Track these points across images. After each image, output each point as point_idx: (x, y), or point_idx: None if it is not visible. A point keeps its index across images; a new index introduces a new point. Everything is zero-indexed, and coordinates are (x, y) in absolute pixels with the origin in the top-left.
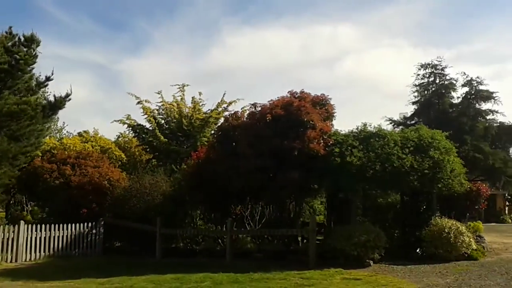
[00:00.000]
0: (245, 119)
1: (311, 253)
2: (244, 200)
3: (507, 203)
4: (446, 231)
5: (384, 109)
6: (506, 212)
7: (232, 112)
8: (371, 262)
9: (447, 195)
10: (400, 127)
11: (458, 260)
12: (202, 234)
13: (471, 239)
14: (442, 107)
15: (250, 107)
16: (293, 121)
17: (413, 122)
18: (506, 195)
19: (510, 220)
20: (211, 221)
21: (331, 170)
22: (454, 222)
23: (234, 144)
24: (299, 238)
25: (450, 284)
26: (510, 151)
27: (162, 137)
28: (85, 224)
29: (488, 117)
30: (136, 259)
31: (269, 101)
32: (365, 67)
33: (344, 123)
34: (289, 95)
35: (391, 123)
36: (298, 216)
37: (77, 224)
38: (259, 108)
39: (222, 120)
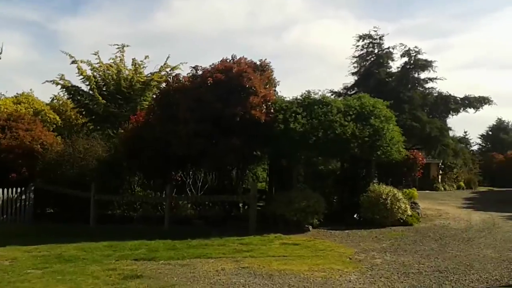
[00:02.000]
0: (186, 82)
1: (251, 219)
2: (184, 166)
3: (440, 172)
4: (383, 197)
5: (331, 80)
6: (439, 180)
7: (173, 75)
8: (310, 227)
9: (386, 162)
10: (341, 97)
11: (393, 226)
12: (139, 201)
13: (407, 206)
14: (381, 76)
15: (191, 70)
16: (234, 87)
17: (353, 92)
18: (440, 164)
19: (442, 188)
20: (150, 187)
21: (274, 137)
22: (391, 189)
23: (174, 108)
24: (240, 205)
25: (386, 249)
26: (447, 120)
27: (100, 98)
28: (14, 189)
29: (426, 86)
30: (69, 226)
31: (210, 65)
32: (312, 37)
33: (291, 93)
34: (230, 58)
35: (332, 94)
36: (241, 183)
37: (5, 189)
38: (201, 72)
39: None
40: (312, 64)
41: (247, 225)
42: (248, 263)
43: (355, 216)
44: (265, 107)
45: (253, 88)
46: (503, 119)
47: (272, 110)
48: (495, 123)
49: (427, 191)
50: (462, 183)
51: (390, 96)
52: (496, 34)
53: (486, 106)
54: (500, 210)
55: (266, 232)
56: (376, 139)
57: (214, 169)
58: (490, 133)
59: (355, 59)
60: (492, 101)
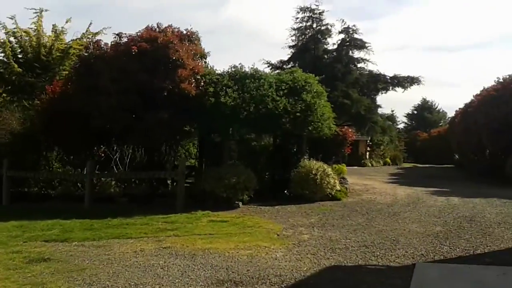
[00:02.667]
0: (108, 50)
1: (179, 196)
2: (108, 141)
3: (368, 148)
4: (313, 172)
5: (269, 57)
6: (367, 156)
7: (94, 40)
8: (240, 203)
9: (317, 138)
10: (277, 71)
11: (322, 201)
12: (58, 178)
13: (335, 181)
14: (317, 52)
15: (115, 37)
16: (161, 58)
17: (289, 66)
18: (368, 141)
19: (370, 164)
20: (71, 163)
21: (205, 111)
22: (321, 164)
23: (95, 78)
24: (169, 182)
25: (314, 224)
26: (377, 98)
27: (16, 66)
28: None
29: (359, 65)
30: None
31: (137, 33)
32: (248, 13)
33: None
34: (156, 27)
35: (268, 66)
36: (172, 159)
37: None
38: (125, 40)
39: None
40: (248, 40)
41: (175, 203)
42: (170, 243)
43: (285, 191)
44: (194, 80)
45: (180, 60)
46: (427, 99)
47: (202, 83)
48: (420, 103)
49: (356, 167)
50: (388, 160)
51: (325, 72)
52: (422, 17)
53: (414, 86)
54: (424, 185)
55: (194, 210)
56: (308, 115)
57: (142, 145)
58: (415, 112)
59: (293, 32)
60: (420, 81)
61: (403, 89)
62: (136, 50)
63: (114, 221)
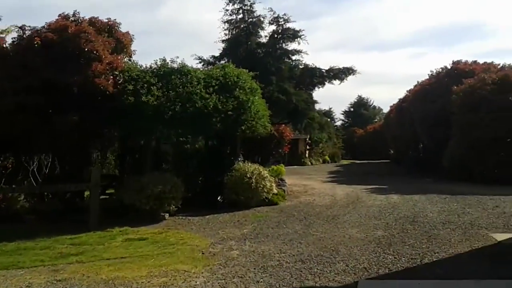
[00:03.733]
0: (7, 45)
1: (93, 212)
2: (15, 150)
3: (307, 147)
4: (248, 176)
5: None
6: (307, 155)
7: None
8: (167, 215)
9: (252, 138)
10: (210, 66)
11: (259, 206)
12: None
13: (272, 184)
14: (250, 46)
15: (18, 30)
16: (71, 50)
17: (222, 62)
18: (307, 139)
19: (309, 163)
20: None
21: (124, 112)
22: (256, 167)
23: None
24: (86, 194)
25: (246, 236)
26: (313, 94)
27: None
28: None
29: (293, 57)
30: None
31: (44, 24)
32: (187, 13)
33: None
34: (71, 15)
35: (200, 62)
36: (84, 167)
37: None
38: (29, 33)
39: None
40: (186, 40)
41: (88, 219)
42: (69, 273)
43: (218, 198)
44: (112, 76)
45: (95, 52)
46: (362, 96)
47: (121, 80)
48: (356, 100)
49: (296, 166)
50: (327, 157)
51: (258, 67)
52: (357, 17)
53: (350, 77)
54: (362, 182)
55: (111, 226)
56: (241, 113)
57: (51, 152)
58: (352, 109)
59: (225, 26)
60: (355, 70)
61: (339, 81)
62: (40, 42)
63: (9, 246)
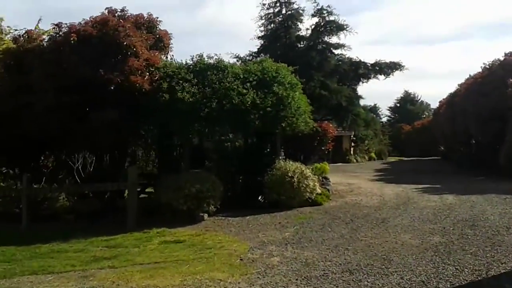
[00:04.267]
0: (45, 42)
1: (130, 212)
2: (52, 149)
3: (352, 144)
4: (290, 175)
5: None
6: (351, 152)
7: (24, 31)
8: (206, 215)
9: (293, 135)
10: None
11: (301, 207)
12: None
13: (315, 183)
14: (289, 40)
15: (54, 27)
16: (108, 45)
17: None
18: (352, 136)
19: (355, 160)
20: (13, 177)
21: (160, 109)
22: (298, 165)
23: (27, 75)
24: (126, 194)
25: (288, 240)
26: (358, 89)
27: None
28: None
29: (337, 52)
30: None
31: (81, 21)
32: (227, 13)
33: None
34: (114, 9)
35: (237, 59)
36: (123, 166)
37: None
38: (66, 30)
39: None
40: (226, 42)
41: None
42: (99, 280)
43: (259, 198)
44: (148, 73)
45: (132, 47)
46: (409, 91)
47: (157, 77)
48: (402, 96)
49: (340, 164)
50: (373, 154)
51: (298, 61)
52: (402, 11)
53: (397, 73)
54: (412, 181)
55: (149, 227)
56: (280, 109)
57: (86, 151)
58: (398, 105)
59: (261, 21)
60: (403, 66)
61: (385, 76)
62: (76, 38)
63: (43, 248)
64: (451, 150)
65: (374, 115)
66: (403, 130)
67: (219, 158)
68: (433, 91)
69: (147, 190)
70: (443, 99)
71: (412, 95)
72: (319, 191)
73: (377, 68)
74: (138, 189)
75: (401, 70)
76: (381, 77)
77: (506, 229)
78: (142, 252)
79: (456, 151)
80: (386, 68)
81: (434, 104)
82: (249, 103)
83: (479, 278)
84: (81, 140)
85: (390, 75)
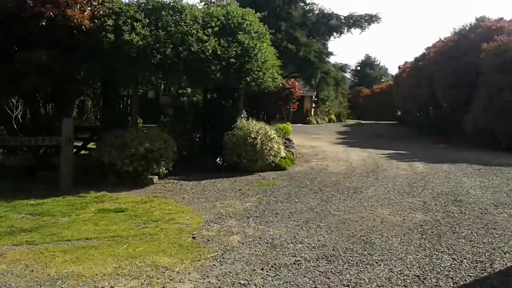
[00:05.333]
0: None
1: (64, 171)
2: None
3: (313, 105)
4: (253, 136)
5: None
6: (312, 113)
7: None
8: (155, 178)
9: (256, 92)
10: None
11: (264, 171)
12: None
13: (280, 146)
14: None
15: None
16: None
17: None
18: (313, 97)
19: (315, 121)
20: None
21: (103, 53)
22: (262, 126)
23: None
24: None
25: (251, 211)
26: (328, 44)
27: None
28: None
29: (308, 1)
30: None
31: None
32: None
33: None
34: None
35: (199, 1)
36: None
37: None
38: None
39: None
40: None
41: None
42: (9, 262)
43: (217, 160)
44: (89, 8)
45: None
46: (370, 54)
47: (100, 12)
48: (363, 59)
49: (300, 125)
50: (333, 116)
51: (266, 10)
52: None
53: (373, 25)
54: (377, 146)
55: (87, 189)
56: (246, 61)
57: (23, 99)
58: (358, 68)
59: None
60: (380, 18)
61: (360, 30)
62: None
63: None
64: (411, 115)
65: (344, 74)
66: (362, 93)
67: (175, 115)
68: (394, 57)
69: (89, 146)
70: (406, 63)
71: (372, 59)
72: (283, 154)
73: (351, 22)
74: (79, 145)
75: (378, 22)
76: (356, 31)
77: (494, 207)
78: (73, 224)
79: (418, 117)
80: (361, 21)
81: (394, 70)
82: (210, 51)
83: (484, 273)
84: (6, 85)
85: (365, 29)
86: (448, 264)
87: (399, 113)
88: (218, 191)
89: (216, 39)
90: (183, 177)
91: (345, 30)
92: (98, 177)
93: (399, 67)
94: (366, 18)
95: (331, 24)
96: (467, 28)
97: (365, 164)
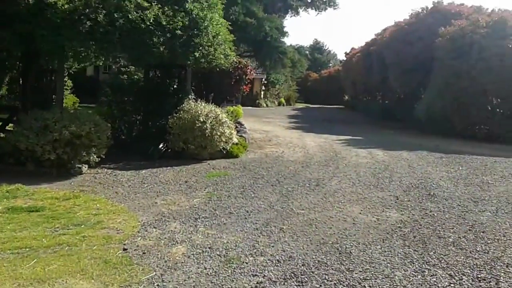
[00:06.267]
0: None
1: None
2: None
3: (263, 88)
4: (202, 119)
5: None
6: (262, 96)
7: None
8: (85, 167)
9: (205, 71)
10: None
11: (214, 159)
12: None
13: (232, 131)
14: None
15: None
16: None
17: None
18: (263, 79)
19: (265, 105)
20: None
21: (21, 18)
22: (212, 108)
23: None
24: None
25: (199, 210)
26: (284, 22)
27: None
28: None
29: None
30: None
31: None
32: None
33: None
34: None
35: None
36: None
37: None
38: None
39: None
40: None
41: None
42: None
43: (160, 146)
44: None
45: None
46: (318, 39)
47: None
48: (312, 43)
49: (250, 107)
50: (282, 100)
51: None
52: None
53: (329, 10)
54: (331, 131)
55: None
56: (194, 34)
57: None
58: (307, 52)
59: None
60: (337, 4)
61: (316, 11)
62: None
63: None
64: (359, 100)
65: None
66: (310, 77)
67: (113, 94)
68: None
69: (9, 128)
70: (354, 48)
71: (320, 44)
72: (235, 140)
73: (309, 1)
74: None
75: (334, 8)
76: (313, 12)
77: (474, 204)
78: None
79: (365, 101)
80: (319, 2)
81: (342, 56)
82: (151, 20)
83: None
84: None
85: (322, 11)
86: (446, 283)
87: (347, 98)
88: (160, 184)
89: (159, 6)
90: (120, 166)
91: (302, 8)
92: (14, 165)
93: (345, 53)
94: (325, 1)
95: (288, 1)
96: (425, 11)
97: (323, 151)
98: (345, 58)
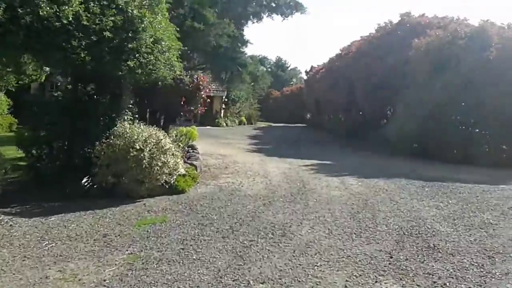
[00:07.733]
0: None
1: None
2: None
3: (223, 106)
4: (138, 146)
5: None
6: (222, 115)
7: None
8: None
9: (149, 85)
10: None
11: (153, 196)
12: None
13: (177, 160)
14: None
15: None
16: None
17: None
18: (224, 97)
19: (225, 124)
20: None
21: None
22: (153, 132)
23: None
24: None
25: None
26: (244, 32)
27: None
28: None
29: None
30: None
31: None
32: None
33: None
34: None
35: None
36: None
37: None
38: None
39: None
40: None
41: None
42: None
43: (83, 181)
44: None
45: None
46: (281, 57)
47: None
48: (274, 61)
49: (209, 127)
50: (244, 119)
51: None
52: None
53: (297, 15)
54: (296, 154)
55: None
56: (129, 38)
57: None
58: (270, 70)
59: None
60: (306, 8)
61: (282, 17)
62: None
63: None
64: (322, 118)
65: (264, 69)
66: (272, 95)
67: (38, 114)
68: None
69: None
70: (318, 65)
71: (283, 61)
72: (182, 171)
73: (273, 5)
74: None
75: (302, 12)
76: (278, 17)
77: (489, 260)
78: None
79: (329, 120)
80: (285, 7)
81: (304, 73)
82: (69, 19)
83: None
84: None
85: (289, 17)
86: None
87: (309, 116)
88: (68, 240)
89: (81, 0)
90: (24, 210)
91: (266, 14)
92: None
93: (306, 72)
94: (291, 4)
95: (249, 6)
96: (393, 23)
97: (288, 180)
98: (306, 77)
